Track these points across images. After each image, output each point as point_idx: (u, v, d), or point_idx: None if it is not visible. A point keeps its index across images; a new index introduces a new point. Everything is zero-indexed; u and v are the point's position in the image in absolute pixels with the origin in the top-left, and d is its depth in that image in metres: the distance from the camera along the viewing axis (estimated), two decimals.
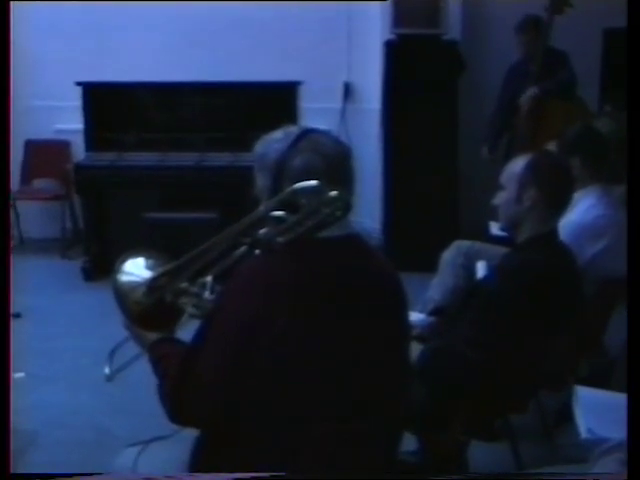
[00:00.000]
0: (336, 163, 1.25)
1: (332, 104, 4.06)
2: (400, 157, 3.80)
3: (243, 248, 1.28)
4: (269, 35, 4.02)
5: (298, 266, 1.23)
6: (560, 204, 1.85)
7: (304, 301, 1.21)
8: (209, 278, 1.33)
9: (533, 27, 3.50)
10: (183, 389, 1.26)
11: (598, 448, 1.13)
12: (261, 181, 1.30)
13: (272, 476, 1.10)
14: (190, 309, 1.36)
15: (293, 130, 1.28)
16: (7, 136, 1.68)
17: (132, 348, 1.46)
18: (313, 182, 1.19)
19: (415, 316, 2.09)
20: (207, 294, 1.32)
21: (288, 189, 1.21)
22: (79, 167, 3.77)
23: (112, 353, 1.49)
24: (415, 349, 1.80)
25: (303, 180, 1.20)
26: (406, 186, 3.81)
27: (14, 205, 4.09)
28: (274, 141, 1.28)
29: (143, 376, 1.39)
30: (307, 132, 1.27)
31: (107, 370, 1.47)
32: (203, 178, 3.65)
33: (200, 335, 1.27)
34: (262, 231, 1.24)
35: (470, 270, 2.37)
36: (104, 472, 1.47)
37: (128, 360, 1.47)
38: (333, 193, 1.18)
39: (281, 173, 1.24)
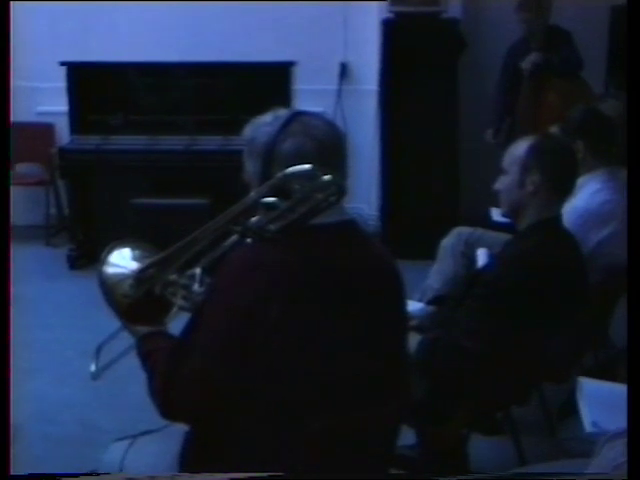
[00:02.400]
0: (328, 146, 1.22)
1: (328, 85, 3.99)
2: (398, 140, 3.75)
3: (234, 237, 1.24)
4: (262, 14, 3.93)
5: (291, 254, 1.19)
6: (564, 189, 1.83)
7: (298, 291, 1.18)
8: (198, 270, 1.29)
9: (535, 4, 3.42)
10: (174, 385, 1.23)
11: (604, 436, 1.08)
12: (251, 166, 1.26)
13: (270, 476, 1.04)
14: (179, 302, 1.32)
15: (283, 113, 1.26)
16: (6, 123, 1.60)
17: (119, 344, 1.42)
18: (305, 166, 1.15)
19: (414, 305, 2.06)
20: (196, 286, 1.29)
21: (279, 174, 1.18)
22: (63, 151, 3.69)
23: (99, 349, 1.46)
24: (414, 339, 1.75)
25: (294, 164, 1.17)
26: (404, 170, 3.76)
27: None
28: (263, 124, 1.25)
29: (131, 369, 1.35)
30: (297, 114, 1.25)
31: (93, 367, 1.44)
32: (193, 162, 3.58)
33: (190, 328, 1.24)
34: (253, 219, 1.20)
35: (470, 258, 2.33)
36: (92, 468, 1.43)
37: (115, 357, 1.44)
38: (326, 178, 1.14)
39: (271, 158, 1.21)
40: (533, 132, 2.32)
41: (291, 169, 1.16)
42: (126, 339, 1.41)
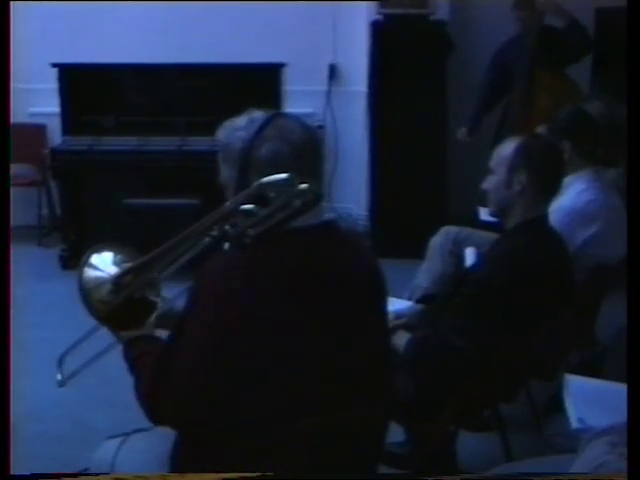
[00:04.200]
0: (304, 150, 1.21)
1: (317, 86, 4.00)
2: (387, 140, 3.76)
3: (205, 240, 1.23)
4: (252, 15, 3.94)
5: (272, 258, 1.20)
6: (551, 188, 1.84)
7: (280, 294, 1.19)
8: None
9: (530, 2, 3.45)
10: (160, 390, 1.23)
11: (587, 434, 1.10)
12: (226, 171, 1.25)
13: (260, 476, 1.05)
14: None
15: (258, 115, 1.24)
16: (6, 125, 1.60)
17: (97, 343, 1.41)
18: (282, 176, 1.14)
19: (402, 304, 2.07)
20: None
21: (255, 184, 1.16)
22: (56, 152, 3.68)
23: (61, 359, 1.46)
24: (403, 338, 1.77)
25: (270, 171, 1.16)
26: (393, 170, 3.76)
27: None
28: (238, 129, 1.23)
29: (122, 367, 1.35)
30: (272, 118, 1.23)
31: (59, 376, 1.44)
32: (184, 163, 3.58)
33: (176, 333, 1.24)
34: (232, 224, 1.19)
35: (459, 257, 2.35)
36: (83, 466, 1.44)
37: (83, 364, 1.44)
38: (303, 186, 1.13)
39: (247, 164, 1.20)
40: (523, 132, 2.35)
41: (267, 179, 1.14)
42: (102, 338, 1.41)
